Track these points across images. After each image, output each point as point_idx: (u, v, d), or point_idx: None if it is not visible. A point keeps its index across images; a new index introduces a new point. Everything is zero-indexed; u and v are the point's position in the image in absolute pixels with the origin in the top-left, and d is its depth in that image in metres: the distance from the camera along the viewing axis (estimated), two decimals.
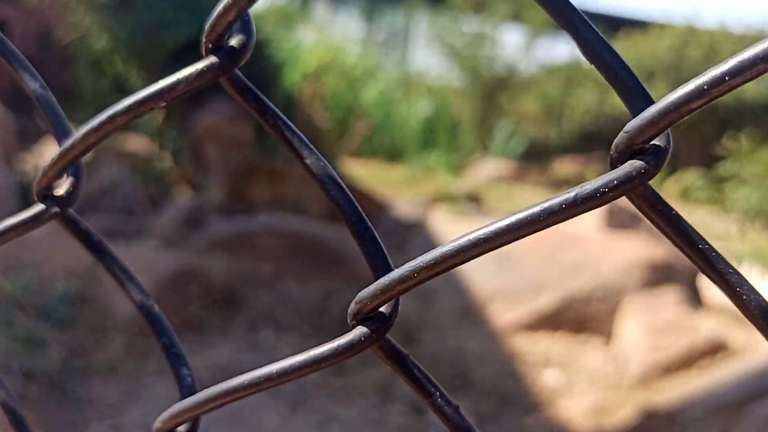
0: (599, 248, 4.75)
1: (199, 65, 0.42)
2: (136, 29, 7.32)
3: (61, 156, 0.48)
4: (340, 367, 4.02)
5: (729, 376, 3.52)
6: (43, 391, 3.32)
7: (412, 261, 0.35)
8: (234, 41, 0.41)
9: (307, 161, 0.41)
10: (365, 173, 10.84)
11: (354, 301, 0.37)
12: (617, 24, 15.54)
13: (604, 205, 0.29)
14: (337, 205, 0.40)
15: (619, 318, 4.33)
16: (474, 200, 8.65)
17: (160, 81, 0.44)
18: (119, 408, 3.43)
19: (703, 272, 0.28)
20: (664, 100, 0.28)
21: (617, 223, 5.52)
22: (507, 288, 4.67)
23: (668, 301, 4.17)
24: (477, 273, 4.87)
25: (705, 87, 0.27)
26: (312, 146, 0.41)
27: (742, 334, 4.62)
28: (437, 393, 0.37)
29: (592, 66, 0.29)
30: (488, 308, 4.61)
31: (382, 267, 0.38)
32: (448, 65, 11.89)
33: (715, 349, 3.95)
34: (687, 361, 3.89)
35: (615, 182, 0.29)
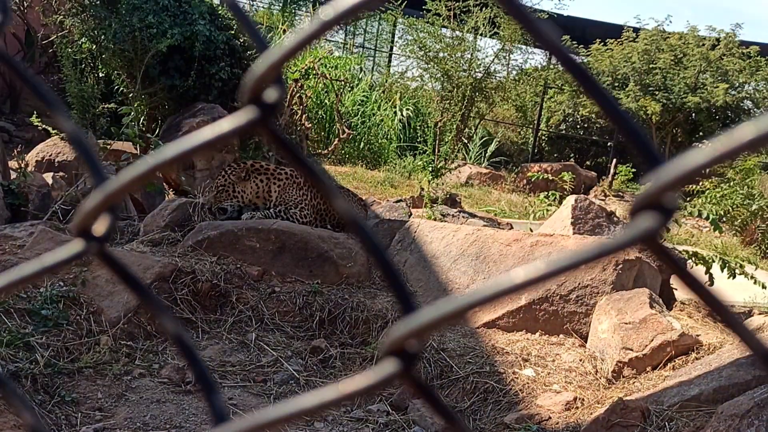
0: (575, 249, 4.85)
1: (241, 118, 0.43)
2: (119, 32, 7.33)
3: (105, 200, 0.50)
4: (324, 367, 4.09)
5: (701, 374, 3.62)
6: (30, 393, 3.33)
7: (439, 304, 0.39)
8: (272, 93, 0.42)
9: (339, 206, 0.43)
10: (347, 176, 10.91)
11: (386, 336, 0.42)
12: (593, 28, 15.77)
13: (620, 250, 0.35)
14: (366, 247, 0.43)
15: (594, 317, 4.43)
16: (452, 203, 8.77)
17: (203, 131, 0.45)
18: (105, 410, 3.45)
19: (707, 304, 0.33)
20: (678, 163, 0.32)
21: (593, 224, 5.65)
22: None
23: (642, 300, 4.27)
24: (457, 273, 4.96)
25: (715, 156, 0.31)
26: (339, 191, 0.45)
27: (715, 333, 4.75)
28: (459, 420, 0.42)
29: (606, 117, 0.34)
30: None
31: (408, 305, 0.41)
32: (427, 70, 12.00)
33: (688, 348, 4.05)
34: (660, 360, 3.99)
35: (631, 237, 0.34)
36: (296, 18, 16.08)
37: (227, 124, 0.43)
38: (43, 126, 6.37)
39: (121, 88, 8.01)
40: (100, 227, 0.51)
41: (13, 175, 5.76)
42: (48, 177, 6.00)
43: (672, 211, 0.32)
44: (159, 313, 0.53)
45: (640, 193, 0.33)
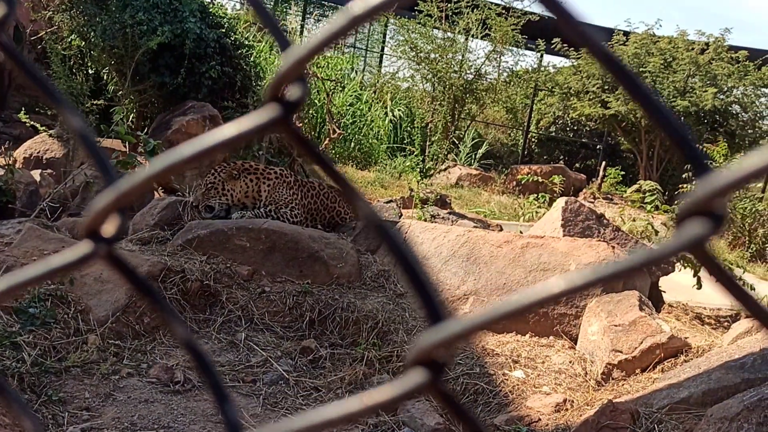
0: (565, 251, 4.86)
1: (263, 117, 0.42)
2: (109, 29, 7.28)
3: (116, 200, 0.49)
4: (314, 367, 4.07)
5: (691, 377, 3.63)
6: (16, 391, 3.30)
7: (474, 315, 0.38)
8: (294, 91, 0.41)
9: (363, 209, 0.42)
10: None
11: (414, 346, 0.40)
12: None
13: (667, 258, 0.33)
14: (390, 249, 0.42)
15: (584, 319, 4.45)
16: (442, 204, 8.77)
17: (223, 129, 0.43)
18: (93, 409, 3.42)
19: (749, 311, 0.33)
20: (729, 170, 0.31)
21: (583, 226, 5.66)
22: (477, 289, 4.77)
23: (632, 303, 4.29)
24: (447, 274, 4.96)
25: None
26: (360, 193, 0.43)
27: (703, 336, 4.77)
28: None
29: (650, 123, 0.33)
30: (459, 309, 4.70)
31: (435, 314, 0.40)
32: (418, 71, 12.01)
33: (677, 351, 4.07)
34: (650, 362, 4.01)
35: (679, 245, 0.32)
36: (286, 18, 16.05)
37: (249, 122, 0.42)
38: (31, 123, 6.31)
39: (111, 86, 7.97)
40: (109, 228, 0.50)
41: (1, 172, 5.71)
42: (36, 174, 5.96)
43: (722, 218, 0.31)
44: (170, 318, 0.52)
45: (688, 199, 0.32)
